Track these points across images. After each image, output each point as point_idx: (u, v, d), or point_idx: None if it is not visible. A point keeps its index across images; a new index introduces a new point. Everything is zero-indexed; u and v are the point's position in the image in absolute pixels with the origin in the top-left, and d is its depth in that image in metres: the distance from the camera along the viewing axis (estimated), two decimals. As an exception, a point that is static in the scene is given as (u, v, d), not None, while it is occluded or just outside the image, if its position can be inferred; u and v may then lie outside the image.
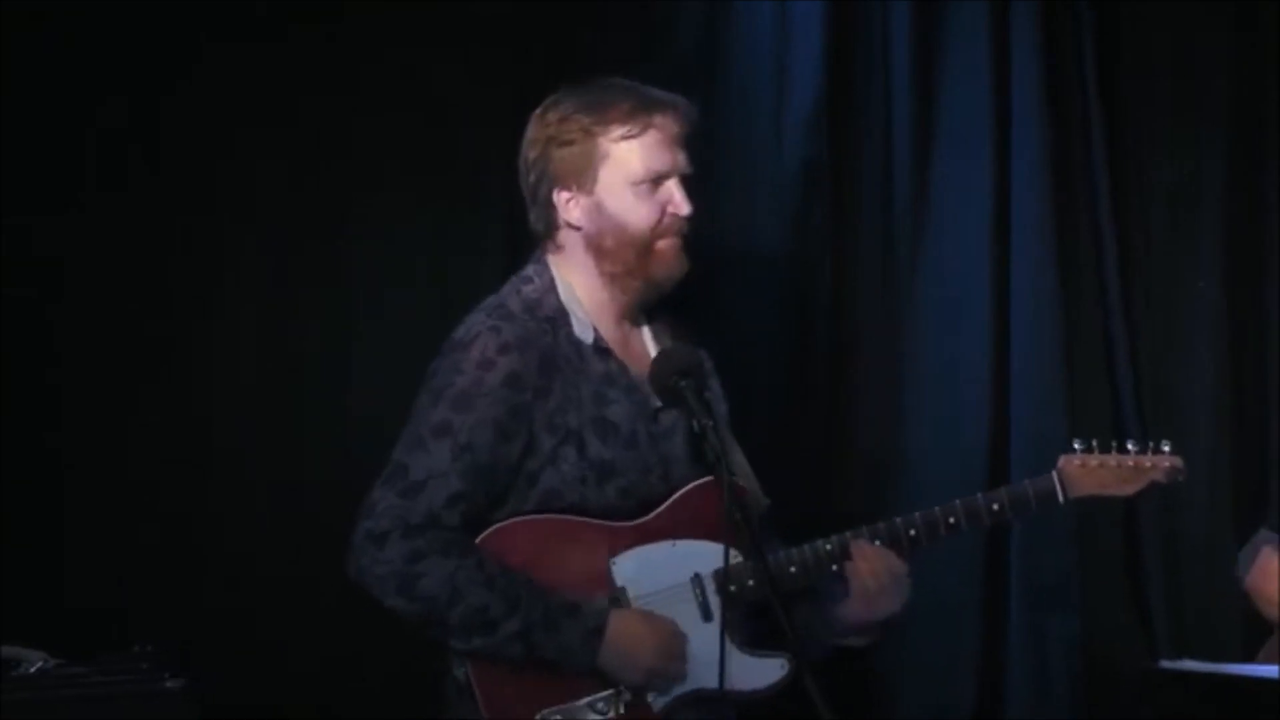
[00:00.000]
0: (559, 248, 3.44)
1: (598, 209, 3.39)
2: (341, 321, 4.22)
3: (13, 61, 3.96)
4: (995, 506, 3.48)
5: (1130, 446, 3.55)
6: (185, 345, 4.12)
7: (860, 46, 4.49)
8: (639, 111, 3.37)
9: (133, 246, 4.07)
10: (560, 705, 3.26)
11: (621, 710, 3.27)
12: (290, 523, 4.11)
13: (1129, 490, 3.56)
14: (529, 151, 3.43)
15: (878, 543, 3.41)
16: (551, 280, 3.42)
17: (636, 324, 3.49)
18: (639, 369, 3.39)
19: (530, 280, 3.43)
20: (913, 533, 3.43)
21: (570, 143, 3.38)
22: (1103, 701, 4.45)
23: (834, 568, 3.41)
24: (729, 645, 3.25)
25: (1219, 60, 4.64)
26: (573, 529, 3.31)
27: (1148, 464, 3.55)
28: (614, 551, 3.32)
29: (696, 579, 3.34)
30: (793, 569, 3.38)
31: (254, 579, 4.06)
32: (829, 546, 3.42)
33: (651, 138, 3.38)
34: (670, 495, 3.36)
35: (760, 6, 4.43)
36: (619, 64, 3.54)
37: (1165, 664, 4.16)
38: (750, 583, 3.31)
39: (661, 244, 3.39)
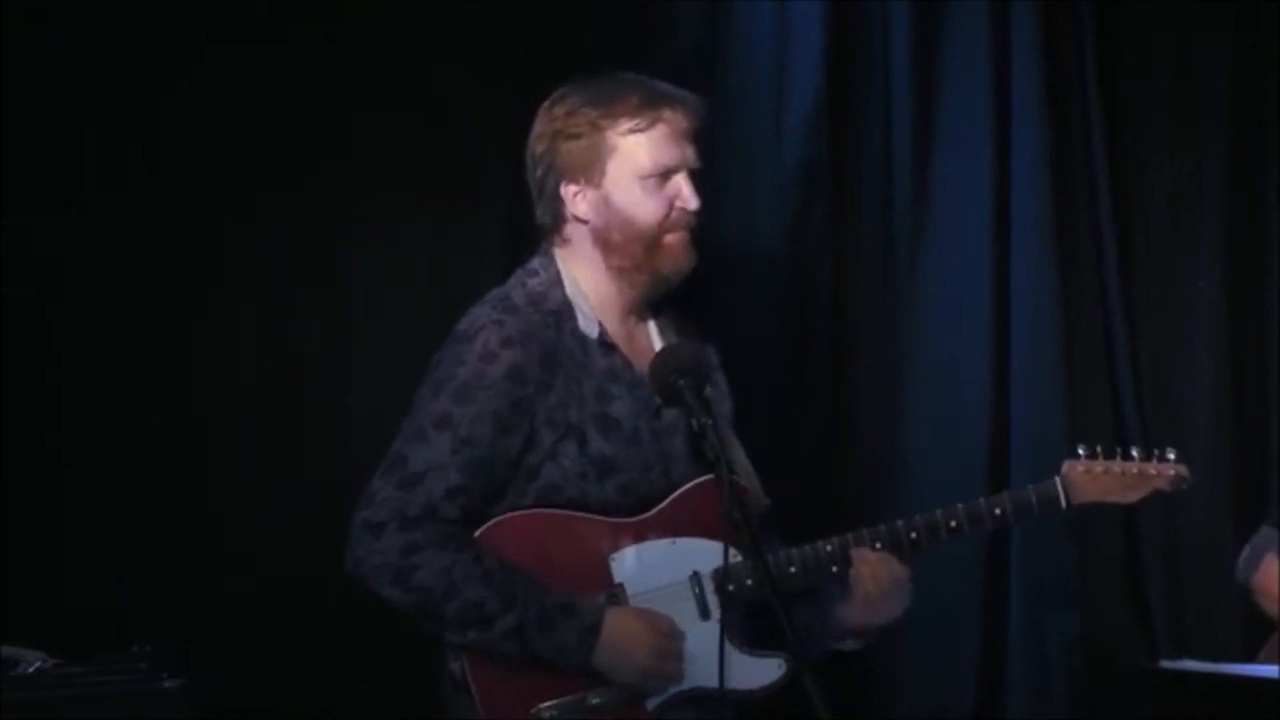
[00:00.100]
0: (566, 241, 3.42)
1: (605, 203, 3.37)
2: (341, 321, 4.22)
3: (13, 61, 3.96)
4: (997, 511, 3.46)
5: (1134, 453, 3.52)
6: (185, 345, 4.13)
7: (860, 46, 4.49)
8: (647, 105, 3.36)
9: (133, 246, 4.08)
10: (555, 701, 3.25)
11: (617, 708, 3.27)
12: (290, 523, 4.11)
13: (1133, 497, 3.53)
14: (536, 145, 3.41)
15: (878, 546, 3.40)
16: (557, 274, 3.41)
17: (642, 319, 3.47)
18: (644, 364, 3.37)
19: (536, 273, 3.42)
20: (914, 535, 3.42)
21: (578, 136, 3.36)
22: (1103, 701, 4.45)
23: (833, 569, 3.40)
24: (726, 645, 3.24)
25: (1219, 60, 4.64)
26: (572, 524, 3.30)
27: (1152, 471, 3.51)
28: (613, 548, 3.31)
29: (695, 577, 3.33)
30: (792, 569, 3.37)
31: (253, 579, 4.06)
32: (829, 548, 3.40)
33: (660, 132, 3.36)
34: (671, 493, 3.35)
35: (760, 6, 4.43)
36: (619, 64, 3.53)
37: (1165, 664, 4.16)
38: (749, 582, 3.30)
39: (669, 238, 3.37)
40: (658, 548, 3.33)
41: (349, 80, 4.19)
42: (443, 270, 4.23)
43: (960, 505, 3.45)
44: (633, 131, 3.35)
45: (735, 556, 3.26)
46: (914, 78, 4.47)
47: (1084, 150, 4.55)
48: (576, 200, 3.38)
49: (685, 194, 3.37)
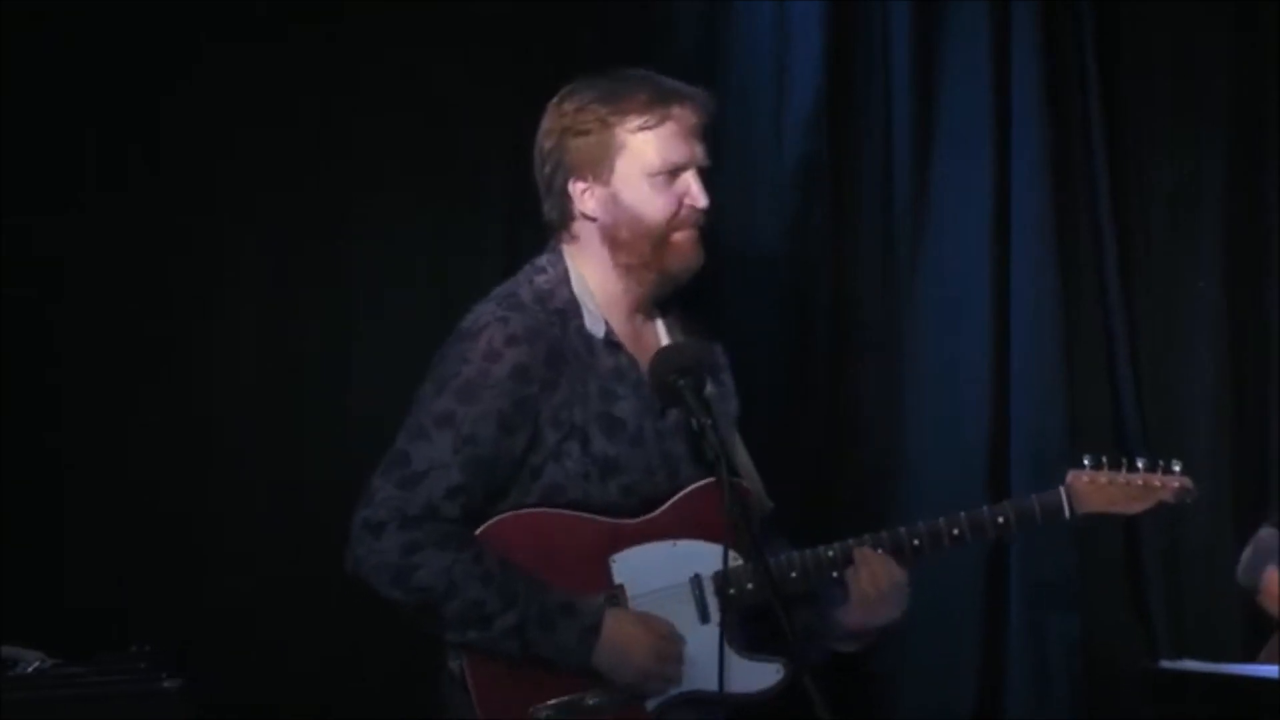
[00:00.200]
0: (574, 238, 3.39)
1: (613, 200, 3.34)
2: (341, 321, 4.22)
3: (13, 61, 3.97)
4: (1001, 520, 3.43)
5: (1140, 464, 3.48)
6: (185, 345, 4.13)
7: (860, 46, 4.49)
8: (656, 102, 3.33)
9: (133, 246, 4.08)
10: (553, 701, 3.25)
11: (615, 709, 3.26)
12: (290, 523, 4.11)
13: (1136, 509, 3.48)
14: (544, 141, 3.38)
15: (880, 550, 3.40)
16: (565, 271, 3.38)
17: (650, 317, 3.44)
18: None
19: (544, 270, 3.39)
20: (916, 543, 3.38)
21: (586, 133, 3.34)
22: (1103, 701, 4.46)
23: (834, 574, 3.39)
24: (725, 648, 3.24)
25: (1219, 60, 4.65)
26: (573, 524, 3.28)
27: (1157, 483, 3.46)
28: (614, 549, 3.30)
29: (696, 580, 3.32)
30: (793, 574, 3.35)
31: (253, 579, 4.06)
32: (831, 553, 3.37)
33: (669, 129, 3.33)
34: (674, 494, 3.34)
35: (760, 6, 4.43)
36: (619, 64, 3.53)
37: (1165, 664, 4.16)
38: (750, 586, 3.28)
39: (678, 236, 3.35)
40: (659, 549, 3.31)
41: (349, 80, 4.19)
42: (443, 270, 4.23)
43: (963, 513, 3.41)
44: (642, 129, 3.33)
45: (736, 559, 3.25)
46: (914, 78, 4.48)
47: (1084, 150, 4.55)
48: (585, 197, 3.36)
49: (694, 191, 3.35)
